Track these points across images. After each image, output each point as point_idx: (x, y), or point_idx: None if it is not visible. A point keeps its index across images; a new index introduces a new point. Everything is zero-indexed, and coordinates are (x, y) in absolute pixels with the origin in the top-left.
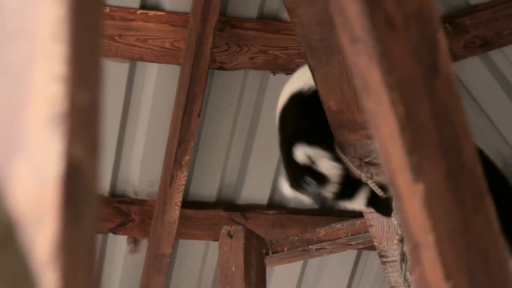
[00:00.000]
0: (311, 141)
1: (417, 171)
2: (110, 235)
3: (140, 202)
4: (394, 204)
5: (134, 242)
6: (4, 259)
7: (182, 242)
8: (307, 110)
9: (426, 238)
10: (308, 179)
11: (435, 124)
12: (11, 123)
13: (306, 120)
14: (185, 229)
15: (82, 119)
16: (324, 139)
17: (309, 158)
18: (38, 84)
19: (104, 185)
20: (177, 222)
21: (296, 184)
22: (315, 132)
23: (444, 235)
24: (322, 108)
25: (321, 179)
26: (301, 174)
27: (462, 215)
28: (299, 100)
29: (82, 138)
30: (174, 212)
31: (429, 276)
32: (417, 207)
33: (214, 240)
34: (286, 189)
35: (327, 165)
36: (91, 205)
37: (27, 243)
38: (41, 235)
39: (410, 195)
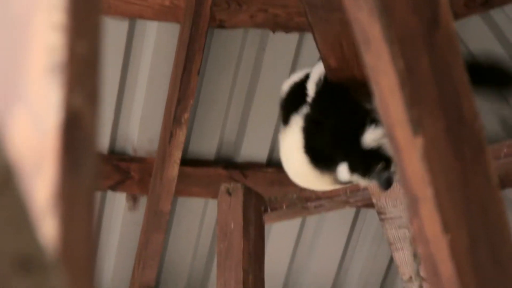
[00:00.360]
0: (374, 122)
1: (417, 125)
2: (109, 192)
3: (139, 160)
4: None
5: (133, 199)
6: (3, 204)
7: (181, 199)
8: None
9: (425, 191)
10: (380, 165)
11: (435, 79)
12: (11, 72)
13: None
14: (184, 186)
15: (81, 69)
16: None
17: (378, 140)
18: (38, 34)
19: (103, 142)
20: (176, 180)
21: (366, 170)
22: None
23: (443, 189)
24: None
25: (389, 160)
26: (372, 161)
27: (461, 168)
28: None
29: (81, 88)
30: (173, 169)
31: (428, 229)
32: (416, 161)
33: (213, 197)
34: (344, 174)
35: None
36: (90, 154)
37: (27, 190)
38: (40, 183)
39: (410, 149)
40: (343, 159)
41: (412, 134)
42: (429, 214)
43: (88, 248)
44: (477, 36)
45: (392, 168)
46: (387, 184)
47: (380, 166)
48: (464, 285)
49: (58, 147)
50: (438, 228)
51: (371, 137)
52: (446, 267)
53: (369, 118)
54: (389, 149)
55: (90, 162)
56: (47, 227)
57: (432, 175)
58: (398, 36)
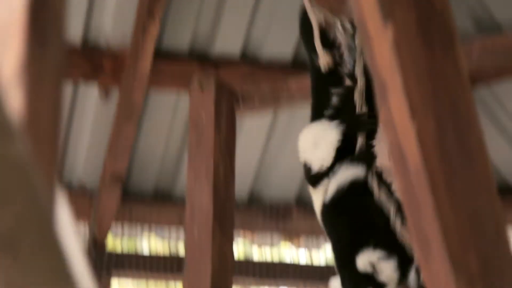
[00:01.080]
0: (377, 244)
1: (387, 15)
2: (82, 84)
3: (113, 53)
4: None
5: (106, 91)
6: None
7: (154, 93)
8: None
9: (394, 80)
10: None
11: None
12: None
13: (368, 221)
14: (157, 80)
15: None
16: (384, 239)
17: (372, 266)
18: None
19: (76, 35)
20: (149, 73)
21: None
22: (379, 233)
23: (412, 77)
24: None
25: (380, 286)
26: (363, 283)
27: (431, 58)
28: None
29: None
30: (146, 63)
31: (395, 116)
32: (386, 49)
33: (186, 91)
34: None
35: (388, 272)
36: (57, 30)
37: None
38: (7, 56)
39: (380, 38)
40: (336, 272)
41: (383, 24)
42: (397, 102)
43: (53, 120)
44: None
45: None
46: None
47: None
48: (430, 172)
49: (25, 23)
50: (405, 115)
51: (362, 261)
52: (413, 154)
53: (370, 237)
54: (382, 274)
55: (57, 37)
56: (13, 98)
57: (402, 63)
58: None
